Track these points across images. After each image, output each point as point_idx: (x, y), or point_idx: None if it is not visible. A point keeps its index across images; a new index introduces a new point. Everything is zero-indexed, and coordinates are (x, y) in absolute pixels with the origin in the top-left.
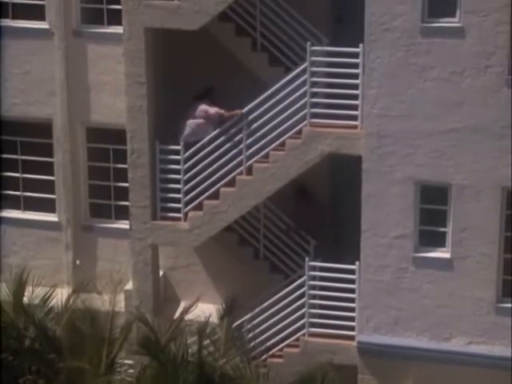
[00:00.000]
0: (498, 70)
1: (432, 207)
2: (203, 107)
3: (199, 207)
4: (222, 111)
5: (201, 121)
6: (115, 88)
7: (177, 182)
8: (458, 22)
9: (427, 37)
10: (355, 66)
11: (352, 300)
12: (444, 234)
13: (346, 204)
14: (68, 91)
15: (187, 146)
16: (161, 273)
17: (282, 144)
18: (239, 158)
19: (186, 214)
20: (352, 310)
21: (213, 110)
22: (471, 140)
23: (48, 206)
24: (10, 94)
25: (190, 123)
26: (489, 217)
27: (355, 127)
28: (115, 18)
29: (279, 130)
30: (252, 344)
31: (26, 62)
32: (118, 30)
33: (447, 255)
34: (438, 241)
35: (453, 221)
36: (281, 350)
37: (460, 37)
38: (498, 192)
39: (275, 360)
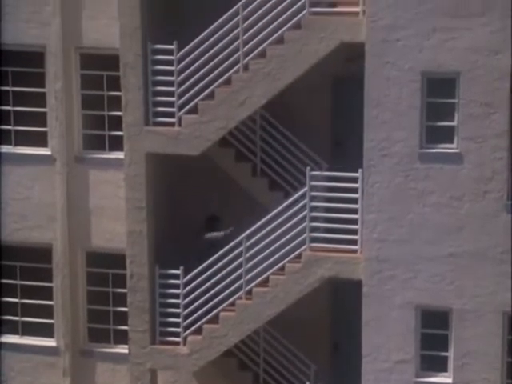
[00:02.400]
0: (497, 196)
1: (433, 332)
2: None
3: (199, 331)
4: None
5: None
6: (116, 213)
7: (176, 306)
8: (456, 148)
9: (426, 162)
10: (355, 190)
11: None
12: (445, 358)
13: (346, 328)
14: (68, 216)
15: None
16: None
17: (282, 268)
18: (239, 283)
19: (185, 339)
20: None
21: None
22: (471, 265)
23: (46, 331)
24: (10, 220)
25: None
26: (491, 342)
27: (355, 252)
28: (117, 144)
29: (279, 254)
30: None
31: (27, 188)
32: (120, 155)
33: (449, 380)
34: (440, 366)
35: (454, 345)
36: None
37: (458, 162)
38: (500, 317)
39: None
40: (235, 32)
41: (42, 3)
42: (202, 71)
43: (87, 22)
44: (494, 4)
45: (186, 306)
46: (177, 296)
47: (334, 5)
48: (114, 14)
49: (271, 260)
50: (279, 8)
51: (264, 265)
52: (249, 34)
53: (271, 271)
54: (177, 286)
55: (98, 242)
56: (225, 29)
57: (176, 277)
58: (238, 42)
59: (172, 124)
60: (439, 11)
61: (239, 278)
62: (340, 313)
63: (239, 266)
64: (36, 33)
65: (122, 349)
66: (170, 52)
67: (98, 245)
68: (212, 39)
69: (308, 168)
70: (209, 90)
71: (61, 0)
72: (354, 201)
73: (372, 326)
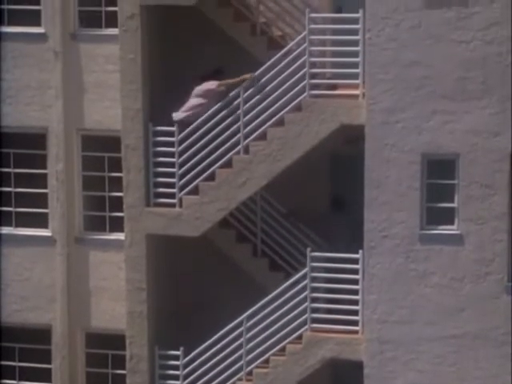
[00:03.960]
0: (498, 277)
1: None
2: (203, 86)
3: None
4: (224, 81)
5: (200, 100)
6: (116, 294)
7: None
8: (456, 230)
9: (426, 244)
10: (355, 271)
11: None
12: None
13: None
14: (68, 297)
15: (182, 126)
16: None
17: (283, 349)
18: (239, 363)
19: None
20: None
21: (211, 84)
22: (472, 346)
23: (44, 377)
24: (10, 301)
25: (190, 102)
26: None
27: (356, 332)
28: (117, 225)
29: (280, 334)
30: None
31: (28, 269)
32: (120, 236)
33: None
34: None
35: None
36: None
37: (459, 244)
38: None
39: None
40: (235, 114)
41: (44, 86)
42: (202, 153)
43: (89, 105)
44: (493, 87)
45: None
46: (176, 377)
47: (333, 87)
48: (116, 97)
49: (272, 341)
50: (280, 91)
51: (265, 346)
52: (249, 116)
53: (272, 352)
54: (176, 368)
55: (98, 323)
56: (226, 111)
57: (176, 358)
58: (238, 124)
59: (173, 205)
60: (438, 94)
61: (240, 358)
62: None
63: (240, 346)
64: (38, 115)
65: None
66: (171, 133)
67: (98, 325)
68: (213, 121)
69: (308, 249)
70: (209, 171)
71: (63, 83)
72: (355, 282)
73: None
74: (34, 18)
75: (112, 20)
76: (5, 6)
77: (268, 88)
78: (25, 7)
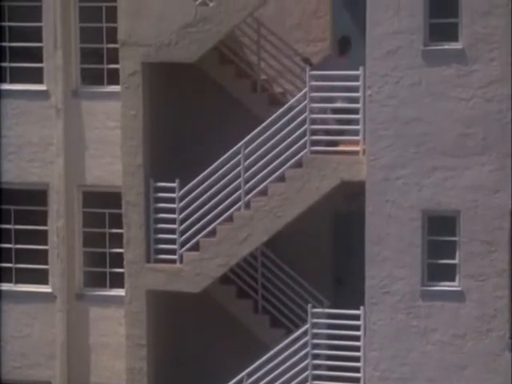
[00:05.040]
0: (499, 334)
1: None
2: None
3: None
4: None
5: None
6: (116, 350)
7: None
8: (457, 286)
9: (427, 300)
10: (356, 327)
11: None
12: None
13: None
14: (68, 353)
15: None
16: None
17: None
18: None
19: None
20: None
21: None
22: None
23: None
24: (10, 358)
25: None
26: None
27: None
28: (117, 281)
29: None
30: None
31: (27, 326)
32: (120, 292)
33: None
34: None
35: None
36: None
37: (460, 300)
38: None
39: None
40: (236, 170)
41: (45, 143)
42: (203, 209)
43: (90, 161)
44: (493, 144)
45: None
46: None
47: (334, 144)
48: (117, 153)
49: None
50: (280, 147)
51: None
52: (250, 172)
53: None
54: None
55: (98, 379)
56: (226, 167)
57: None
58: (239, 180)
59: (173, 261)
60: (438, 150)
61: None
62: None
63: None
64: (39, 171)
65: None
66: (171, 190)
67: (98, 381)
68: (213, 177)
69: (309, 305)
70: (210, 227)
71: (64, 139)
72: (357, 338)
73: None
74: (36, 76)
75: (113, 77)
76: (7, 64)
77: (269, 144)
78: (27, 65)
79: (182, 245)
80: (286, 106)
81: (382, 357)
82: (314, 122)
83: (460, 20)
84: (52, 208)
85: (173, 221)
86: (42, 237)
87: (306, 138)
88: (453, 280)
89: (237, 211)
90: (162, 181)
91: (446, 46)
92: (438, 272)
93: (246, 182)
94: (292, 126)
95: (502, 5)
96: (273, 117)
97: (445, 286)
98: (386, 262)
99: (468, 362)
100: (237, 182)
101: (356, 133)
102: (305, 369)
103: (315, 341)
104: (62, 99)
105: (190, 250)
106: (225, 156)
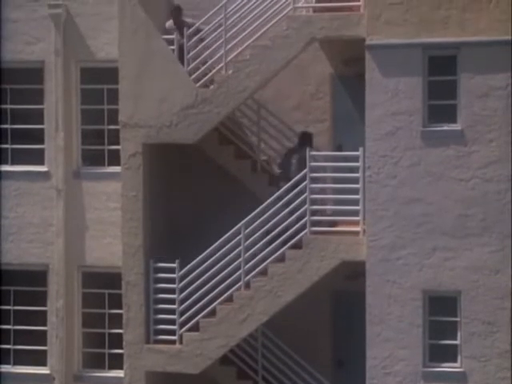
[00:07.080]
0: None
1: None
2: None
3: None
4: None
5: None
6: None
7: None
8: (459, 367)
9: (429, 381)
10: None
11: None
12: None
13: None
14: None
15: None
16: None
17: None
18: None
19: None
20: None
21: None
22: None
23: None
24: None
25: None
26: None
27: None
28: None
29: None
30: None
31: None
32: (119, 374)
33: None
34: None
35: None
36: None
37: (463, 381)
38: None
39: None
40: (237, 250)
41: (46, 224)
42: (203, 289)
43: (90, 241)
44: (493, 225)
45: None
46: None
47: (334, 224)
48: (117, 233)
49: None
50: (281, 227)
51: None
52: (250, 252)
53: None
54: None
55: None
56: (226, 247)
57: None
58: (239, 260)
59: (173, 341)
60: (438, 231)
61: None
62: None
63: None
64: (39, 252)
65: None
66: (171, 270)
67: None
68: (214, 258)
69: None
70: (210, 307)
71: (64, 220)
72: None
73: None
74: (37, 157)
75: (114, 158)
76: (9, 146)
77: (269, 224)
78: (29, 146)
79: (182, 325)
80: (286, 186)
81: None
82: (314, 202)
83: (459, 102)
84: (51, 288)
85: (172, 301)
86: (41, 317)
87: (306, 219)
88: (454, 361)
89: (237, 291)
90: (161, 261)
91: (445, 127)
92: (439, 353)
93: (247, 262)
94: (292, 206)
95: (500, 87)
96: (273, 197)
97: (446, 367)
98: (387, 342)
99: None
100: (237, 262)
101: (356, 213)
102: None
103: None
104: (63, 180)
105: (189, 330)
106: (225, 236)
